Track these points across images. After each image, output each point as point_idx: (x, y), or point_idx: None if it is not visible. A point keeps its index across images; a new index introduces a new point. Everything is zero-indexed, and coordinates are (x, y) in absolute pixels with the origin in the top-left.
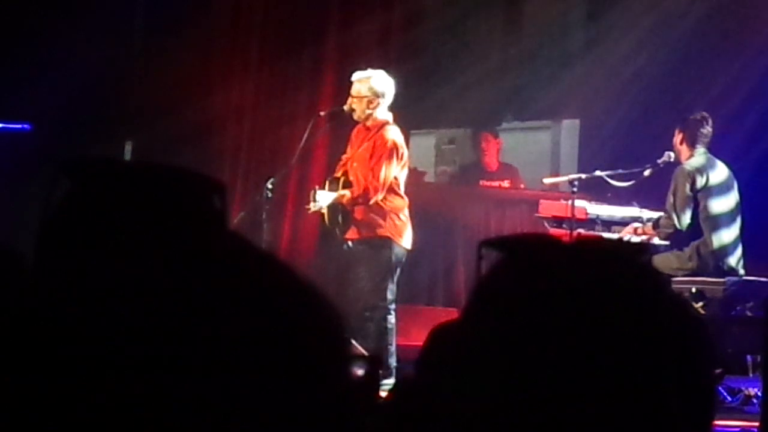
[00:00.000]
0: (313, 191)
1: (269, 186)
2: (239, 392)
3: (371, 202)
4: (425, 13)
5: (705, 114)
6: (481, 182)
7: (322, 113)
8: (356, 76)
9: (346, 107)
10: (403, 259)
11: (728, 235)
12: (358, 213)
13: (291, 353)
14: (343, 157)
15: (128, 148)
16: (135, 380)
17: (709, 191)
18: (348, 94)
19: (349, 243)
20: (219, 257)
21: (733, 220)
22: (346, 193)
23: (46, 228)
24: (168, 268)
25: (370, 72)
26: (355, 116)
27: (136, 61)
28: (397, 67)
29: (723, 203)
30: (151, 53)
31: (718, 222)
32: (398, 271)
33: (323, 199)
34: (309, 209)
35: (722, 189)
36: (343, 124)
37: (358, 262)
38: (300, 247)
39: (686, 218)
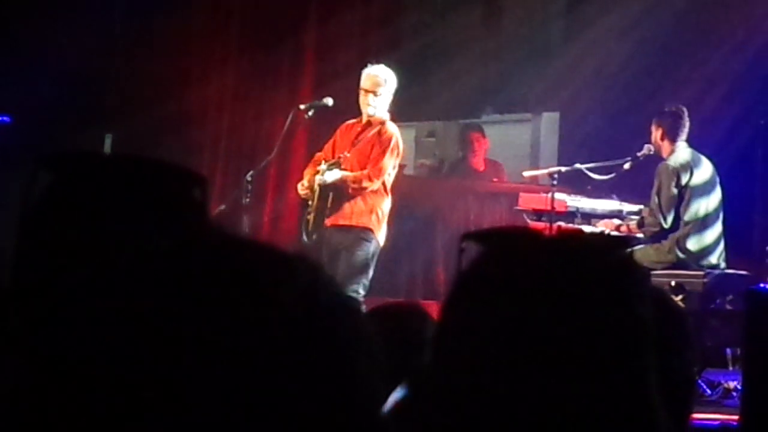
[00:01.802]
0: (336, 159)
1: (248, 179)
2: (230, 385)
3: (368, 190)
4: (404, 5)
5: (680, 106)
6: (469, 181)
7: (302, 106)
8: (373, 71)
9: (330, 100)
10: (377, 254)
11: (711, 234)
12: (347, 199)
13: (284, 340)
14: (318, 154)
15: (108, 141)
16: (118, 377)
17: (693, 191)
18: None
19: (306, 236)
20: (201, 248)
21: (716, 219)
22: (349, 174)
23: (27, 221)
24: (149, 259)
25: (382, 67)
26: (369, 112)
27: (116, 54)
28: (376, 59)
29: (706, 204)
30: (131, 46)
31: (701, 224)
32: (373, 264)
33: (330, 175)
34: (312, 184)
35: (706, 188)
36: (323, 118)
37: (336, 253)
38: (279, 239)
39: (672, 217)
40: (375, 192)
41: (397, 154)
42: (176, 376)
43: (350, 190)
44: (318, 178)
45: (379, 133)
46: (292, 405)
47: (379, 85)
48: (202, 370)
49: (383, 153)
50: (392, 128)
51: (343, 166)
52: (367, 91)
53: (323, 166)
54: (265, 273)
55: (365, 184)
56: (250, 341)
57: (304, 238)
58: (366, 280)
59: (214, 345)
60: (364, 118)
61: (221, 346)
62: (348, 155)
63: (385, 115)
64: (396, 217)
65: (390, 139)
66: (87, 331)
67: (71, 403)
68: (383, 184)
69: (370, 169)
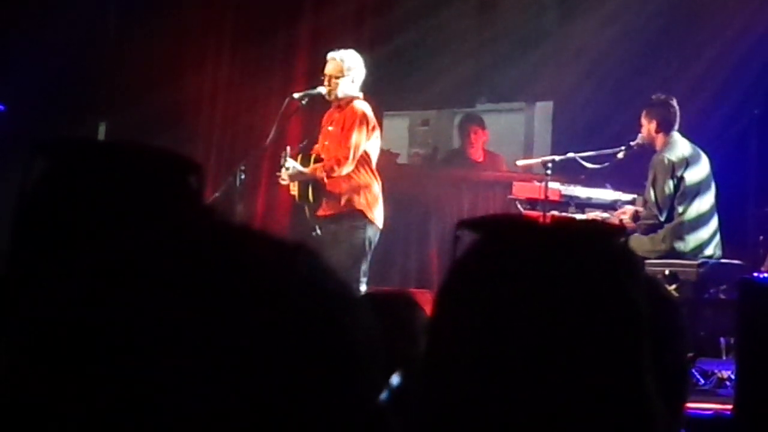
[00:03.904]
0: (283, 154)
1: (242, 168)
2: (229, 371)
3: (342, 173)
4: None
5: (668, 95)
6: (463, 171)
7: (295, 95)
8: (335, 55)
9: (323, 89)
10: (376, 238)
11: (707, 231)
12: (330, 187)
13: (285, 328)
14: (316, 146)
15: (102, 129)
16: (115, 365)
17: (690, 189)
18: (321, 76)
19: (318, 229)
20: (201, 235)
21: (712, 215)
22: (317, 165)
23: (23, 207)
24: (145, 246)
25: (345, 51)
26: (332, 96)
27: (110, 43)
28: (370, 48)
29: (702, 202)
30: (125, 34)
31: (697, 222)
32: (371, 250)
33: (293, 167)
34: (279, 176)
35: (703, 186)
36: (317, 107)
37: (331, 242)
38: (273, 228)
39: (668, 210)
40: (357, 174)
41: (367, 129)
42: (176, 365)
43: (326, 180)
44: (283, 172)
45: (346, 114)
46: (293, 392)
47: (339, 69)
48: (202, 358)
49: (350, 132)
50: (360, 105)
51: (321, 155)
52: (328, 76)
53: (284, 158)
54: (266, 261)
55: (336, 169)
56: (250, 329)
57: (317, 230)
58: (365, 267)
59: (213, 332)
60: (334, 103)
61: (221, 333)
62: (327, 144)
63: (356, 94)
64: (389, 205)
65: (355, 116)
66: (84, 318)
67: (63, 389)
68: (365, 162)
69: (340, 150)
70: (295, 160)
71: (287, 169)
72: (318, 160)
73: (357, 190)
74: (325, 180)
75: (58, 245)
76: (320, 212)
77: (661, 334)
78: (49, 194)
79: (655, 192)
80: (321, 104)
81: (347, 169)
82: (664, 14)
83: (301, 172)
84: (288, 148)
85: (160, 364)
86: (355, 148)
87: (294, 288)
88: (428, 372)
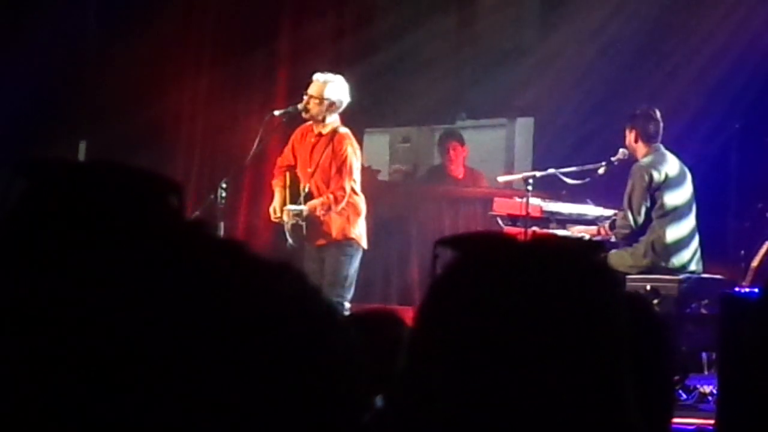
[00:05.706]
0: (301, 196)
1: (223, 185)
2: (212, 390)
3: (339, 209)
4: (378, 12)
5: (651, 107)
6: (444, 187)
7: (276, 113)
8: (320, 77)
9: (300, 106)
10: (360, 258)
11: (689, 252)
12: (325, 220)
13: (271, 347)
14: (279, 158)
15: (82, 147)
16: (100, 382)
17: (672, 211)
18: (302, 92)
19: (304, 248)
20: (187, 254)
21: (695, 235)
22: (315, 203)
23: (2, 228)
24: (126, 267)
25: (333, 76)
26: (308, 116)
27: (90, 62)
28: (350, 65)
29: (683, 226)
30: (105, 53)
31: (679, 245)
32: (357, 269)
33: (294, 213)
34: (282, 215)
35: (686, 209)
36: (297, 124)
37: (320, 262)
38: (255, 246)
39: (642, 218)
40: (350, 201)
41: (356, 156)
42: (159, 381)
43: (322, 216)
44: (285, 215)
45: (334, 146)
46: (277, 410)
47: (320, 91)
48: (185, 375)
49: (344, 164)
50: (344, 133)
51: (307, 186)
52: (309, 95)
53: (290, 207)
54: (252, 280)
55: (333, 206)
56: (235, 348)
57: (290, 241)
58: (350, 286)
59: (198, 350)
60: (315, 128)
61: (205, 351)
62: (310, 170)
63: (337, 122)
64: (370, 222)
65: (345, 149)
66: (66, 336)
67: (45, 413)
68: (354, 188)
69: (334, 187)
70: (284, 190)
71: (293, 211)
72: (308, 193)
73: (349, 218)
74: (322, 216)
75: (36, 265)
76: (313, 243)
77: (647, 352)
78: (28, 215)
79: (631, 202)
80: (301, 121)
81: (344, 203)
82: (646, 31)
83: (300, 212)
84: (302, 195)
85: (144, 382)
86: (349, 183)
87: (280, 308)
88: (407, 389)
